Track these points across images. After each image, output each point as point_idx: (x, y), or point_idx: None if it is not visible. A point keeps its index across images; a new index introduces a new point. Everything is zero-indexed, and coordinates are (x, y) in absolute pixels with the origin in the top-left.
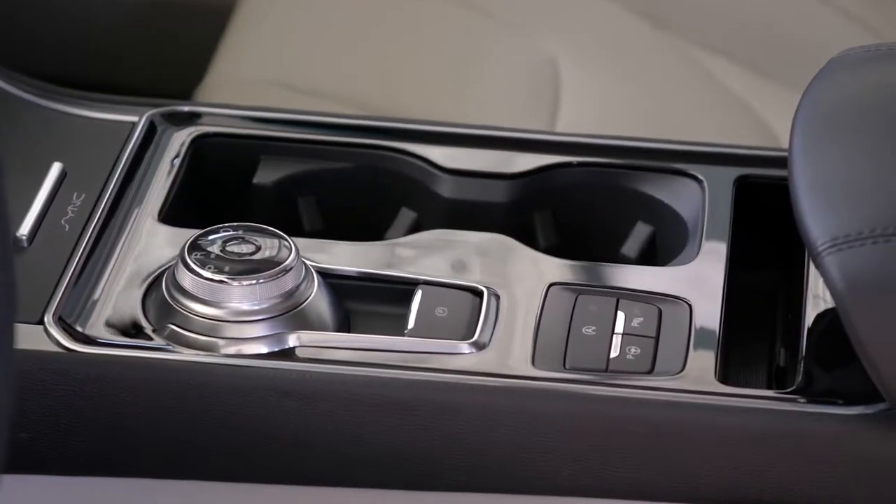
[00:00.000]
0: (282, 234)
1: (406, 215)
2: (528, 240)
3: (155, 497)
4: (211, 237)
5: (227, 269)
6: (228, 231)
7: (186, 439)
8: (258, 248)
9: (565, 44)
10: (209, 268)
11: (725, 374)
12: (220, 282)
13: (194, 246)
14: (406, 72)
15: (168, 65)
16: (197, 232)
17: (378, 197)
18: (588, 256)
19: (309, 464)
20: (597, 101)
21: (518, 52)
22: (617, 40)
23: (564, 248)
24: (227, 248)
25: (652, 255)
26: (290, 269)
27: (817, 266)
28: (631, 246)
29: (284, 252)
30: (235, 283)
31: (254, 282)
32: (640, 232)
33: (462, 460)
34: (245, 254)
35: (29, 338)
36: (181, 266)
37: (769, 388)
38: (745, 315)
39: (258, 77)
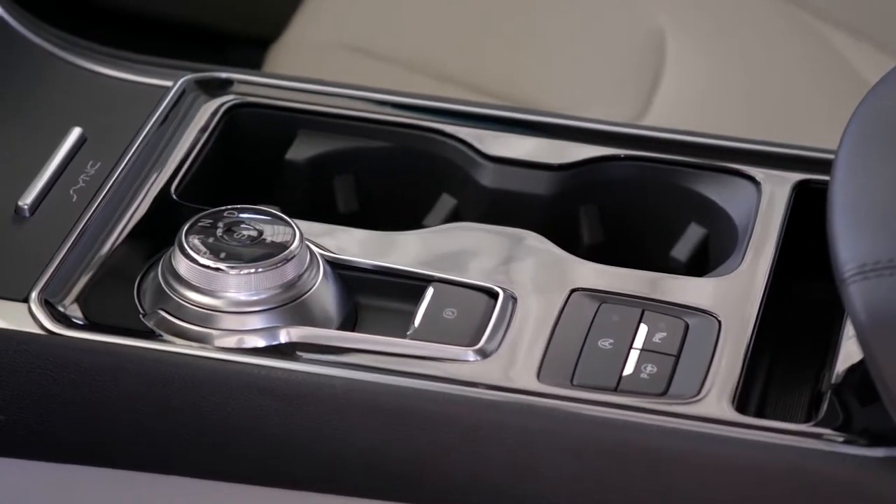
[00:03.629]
0: (287, 218)
1: (446, 202)
2: (572, 236)
3: (133, 489)
4: (214, 219)
5: (224, 255)
6: (234, 213)
7: (166, 432)
8: (261, 234)
9: (675, 14)
10: (206, 253)
11: (763, 398)
12: (216, 269)
13: (195, 228)
14: (494, 41)
15: (254, 13)
16: (201, 212)
17: (419, 180)
18: (635, 257)
19: (291, 466)
20: (702, 80)
21: (621, 21)
22: (732, 12)
23: (609, 246)
24: (230, 232)
25: (704, 261)
26: (292, 257)
27: (841, 293)
28: (681, 249)
29: (288, 239)
30: (232, 272)
31: (251, 270)
32: (693, 234)
33: (451, 475)
34: (247, 239)
35: (12, 316)
36: (177, 250)
37: (809, 415)
38: (798, 333)
39: (335, 40)
